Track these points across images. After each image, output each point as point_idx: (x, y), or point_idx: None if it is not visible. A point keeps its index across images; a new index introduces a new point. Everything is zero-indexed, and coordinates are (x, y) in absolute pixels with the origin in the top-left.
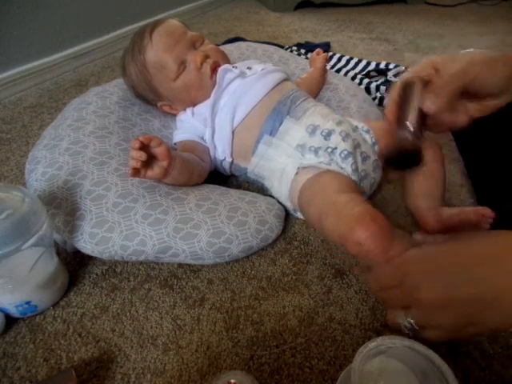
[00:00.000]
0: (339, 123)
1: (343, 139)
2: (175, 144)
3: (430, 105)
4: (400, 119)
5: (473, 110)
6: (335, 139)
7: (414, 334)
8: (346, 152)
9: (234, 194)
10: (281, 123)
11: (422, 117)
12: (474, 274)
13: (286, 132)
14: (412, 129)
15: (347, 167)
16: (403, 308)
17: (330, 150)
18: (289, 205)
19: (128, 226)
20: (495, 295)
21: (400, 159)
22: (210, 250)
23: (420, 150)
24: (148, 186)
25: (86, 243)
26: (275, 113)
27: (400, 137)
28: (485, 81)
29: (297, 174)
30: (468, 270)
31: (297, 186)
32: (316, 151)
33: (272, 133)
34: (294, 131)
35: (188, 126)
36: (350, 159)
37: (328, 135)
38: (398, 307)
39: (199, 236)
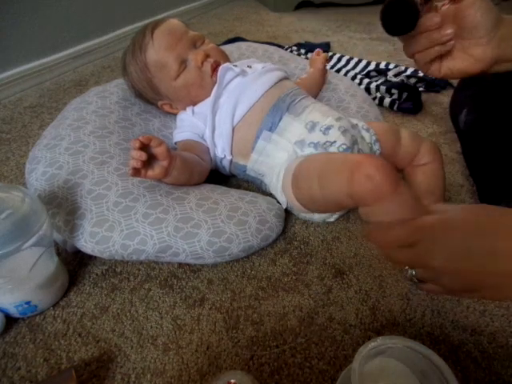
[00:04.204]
0: (338, 119)
1: (342, 133)
2: (175, 143)
3: None
4: None
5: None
6: (334, 133)
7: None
8: (344, 146)
9: (234, 193)
10: (280, 119)
11: None
12: (496, 248)
13: (285, 128)
14: None
15: None
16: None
17: (328, 143)
18: (283, 199)
19: (128, 226)
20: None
21: (394, 13)
22: (210, 249)
23: (414, 3)
24: (148, 186)
25: (87, 242)
26: (275, 109)
27: None
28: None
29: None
30: (490, 244)
31: (289, 171)
32: (315, 146)
33: (271, 129)
34: (294, 127)
35: (188, 124)
36: (349, 153)
37: (327, 130)
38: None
39: (199, 235)
